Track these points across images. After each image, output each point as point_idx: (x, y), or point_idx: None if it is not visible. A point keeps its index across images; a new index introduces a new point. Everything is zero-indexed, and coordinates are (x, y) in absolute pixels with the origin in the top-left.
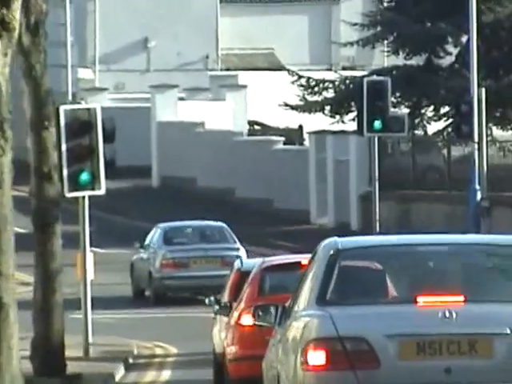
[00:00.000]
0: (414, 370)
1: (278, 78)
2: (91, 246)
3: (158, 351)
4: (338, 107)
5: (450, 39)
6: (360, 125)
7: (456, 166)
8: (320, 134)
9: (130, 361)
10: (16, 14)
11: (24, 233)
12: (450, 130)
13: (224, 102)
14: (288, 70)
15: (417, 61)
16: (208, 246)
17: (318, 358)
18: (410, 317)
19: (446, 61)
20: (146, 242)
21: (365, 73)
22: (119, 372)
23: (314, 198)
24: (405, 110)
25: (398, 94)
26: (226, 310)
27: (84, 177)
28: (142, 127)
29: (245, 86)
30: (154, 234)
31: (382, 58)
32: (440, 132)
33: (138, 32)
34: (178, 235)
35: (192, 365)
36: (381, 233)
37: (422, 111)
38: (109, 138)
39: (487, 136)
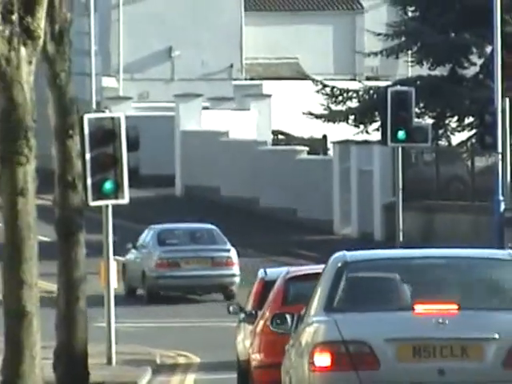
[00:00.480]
0: (411, 371)
1: (302, 87)
2: (114, 254)
3: (181, 360)
4: (362, 117)
5: (474, 50)
6: (384, 135)
7: (480, 177)
8: (344, 144)
9: (153, 370)
10: (41, 22)
11: (47, 241)
12: (473, 140)
13: (248, 112)
14: (312, 80)
15: (441, 71)
16: (199, 247)
17: (323, 359)
18: (408, 323)
19: (470, 71)
20: (139, 242)
21: (389, 83)
22: (142, 381)
23: (337, 207)
24: (429, 121)
25: (421, 105)
26: (252, 318)
27: (108, 186)
28: (166, 136)
29: (269, 96)
30: (147, 235)
31: (406, 68)
32: (464, 142)
33: (163, 41)
34: (171, 236)
35: (215, 373)
36: (393, 247)
37: (446, 122)
38: (133, 146)
39: (511, 146)
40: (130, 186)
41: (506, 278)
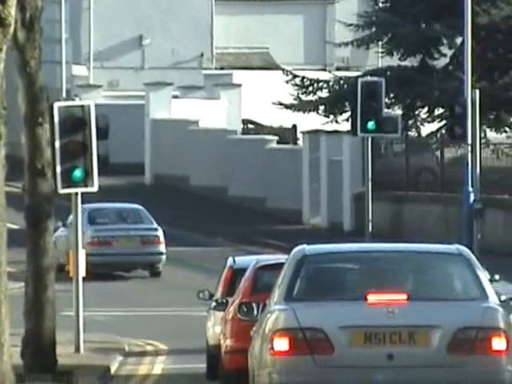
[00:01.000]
0: (362, 356)
1: (272, 77)
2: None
3: (149, 348)
4: (332, 107)
5: (444, 41)
6: (354, 125)
7: (449, 168)
8: (314, 134)
9: (121, 358)
10: (11, 9)
11: (17, 229)
12: (443, 131)
13: (218, 101)
14: (283, 70)
15: (411, 62)
16: (128, 226)
17: (282, 344)
18: (360, 311)
19: (441, 62)
20: (69, 221)
21: (359, 73)
22: (110, 368)
23: (306, 197)
24: (398, 111)
25: (392, 95)
26: (222, 306)
27: (77, 173)
28: (136, 125)
29: (239, 85)
30: None
31: (377, 58)
32: (433, 133)
33: (133, 29)
34: (101, 216)
35: (183, 361)
36: (362, 237)
37: (416, 112)
38: (102, 135)
39: (481, 138)
40: (100, 174)
41: (451, 270)
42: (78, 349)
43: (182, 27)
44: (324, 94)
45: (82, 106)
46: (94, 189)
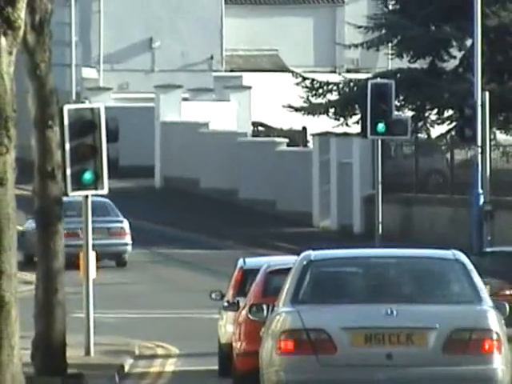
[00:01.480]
0: (363, 355)
1: (282, 79)
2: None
3: (160, 351)
4: (342, 109)
5: (454, 43)
6: (364, 127)
7: (459, 170)
8: (324, 136)
9: (131, 360)
10: (21, 12)
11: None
12: (453, 133)
13: (228, 103)
14: (292, 72)
15: (421, 64)
16: (96, 218)
17: (288, 344)
18: (361, 313)
19: (450, 64)
20: None
21: (369, 75)
22: (120, 371)
23: (316, 200)
24: (408, 113)
25: (401, 97)
26: (234, 306)
27: (87, 176)
28: (146, 127)
29: (249, 87)
30: None
31: (386, 60)
32: (443, 135)
33: (143, 32)
34: (69, 208)
35: (193, 363)
36: (350, 247)
37: (426, 114)
38: (112, 137)
39: (490, 140)
40: (110, 176)
41: (447, 275)
42: (88, 351)
43: (192, 30)
44: (334, 96)
45: (92, 109)
46: (104, 191)
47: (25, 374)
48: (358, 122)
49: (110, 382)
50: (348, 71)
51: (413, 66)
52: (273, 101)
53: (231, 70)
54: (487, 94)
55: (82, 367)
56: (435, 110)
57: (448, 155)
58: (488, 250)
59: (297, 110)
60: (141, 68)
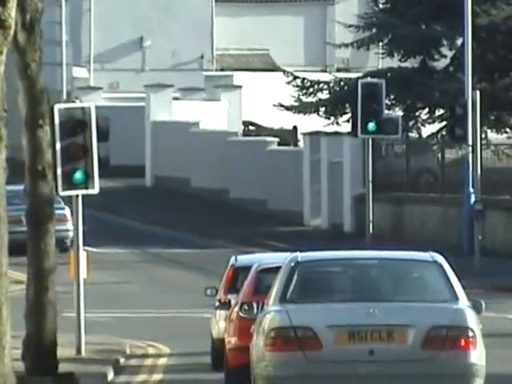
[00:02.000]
0: (347, 352)
1: (272, 78)
2: (84, 244)
3: (151, 351)
4: (333, 109)
5: (444, 42)
6: (354, 126)
7: (450, 169)
8: (314, 135)
9: (122, 360)
10: (12, 12)
11: None
12: (444, 132)
13: (219, 103)
14: (283, 71)
15: (411, 63)
16: None
17: (277, 341)
18: (345, 312)
19: (441, 63)
20: None
21: (359, 75)
22: (111, 371)
23: (307, 199)
24: (399, 113)
25: (392, 96)
26: (226, 306)
27: (78, 176)
28: (137, 127)
29: (240, 87)
30: None
31: (377, 60)
32: (434, 134)
33: (133, 31)
34: (13, 196)
35: (185, 362)
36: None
37: (417, 113)
38: (103, 137)
39: (481, 139)
40: (100, 176)
41: (425, 275)
42: (79, 351)
43: (183, 29)
44: (324, 95)
45: (83, 108)
46: (95, 191)
47: (15, 374)
48: (348, 121)
49: (101, 381)
50: (339, 70)
51: (403, 65)
52: (263, 100)
53: (222, 70)
54: (478, 92)
55: (73, 367)
56: (426, 109)
57: (439, 154)
58: None
59: (287, 108)
60: (131, 67)
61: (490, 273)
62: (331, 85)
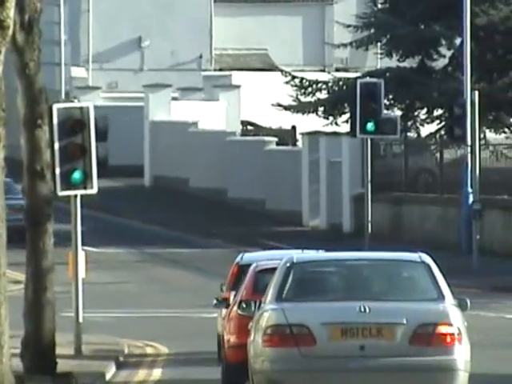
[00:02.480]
0: (339, 347)
1: (271, 78)
2: (83, 244)
3: (149, 350)
4: (332, 108)
5: (443, 42)
6: (353, 126)
7: (448, 169)
8: (313, 135)
9: (121, 359)
10: (10, 12)
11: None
12: (442, 132)
13: (217, 102)
14: (281, 71)
15: (410, 63)
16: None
17: (273, 338)
18: (337, 310)
19: (440, 63)
20: None
21: (358, 74)
22: (110, 371)
23: (306, 199)
24: (398, 112)
25: (391, 96)
26: (223, 303)
27: (76, 175)
28: (135, 126)
29: (238, 86)
30: None
31: (376, 59)
32: (433, 134)
33: (132, 31)
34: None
35: (183, 363)
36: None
37: (415, 113)
38: (101, 136)
39: (480, 139)
40: (99, 176)
41: (414, 275)
42: (77, 350)
43: (181, 29)
44: (323, 95)
45: (81, 108)
46: (94, 191)
47: (14, 373)
48: (347, 121)
49: (99, 380)
50: (337, 70)
51: (402, 64)
52: (262, 100)
53: (220, 69)
54: (477, 92)
55: (71, 366)
56: (425, 109)
57: (438, 154)
58: None
59: (286, 108)
60: (130, 67)
61: (488, 272)
62: (330, 84)
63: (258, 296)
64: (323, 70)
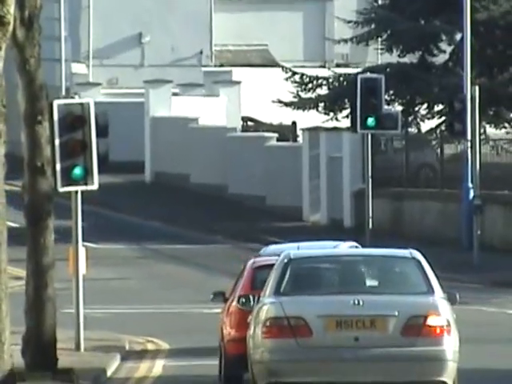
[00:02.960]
0: (334, 338)
1: (271, 74)
2: (84, 240)
3: (150, 346)
4: (332, 104)
5: (443, 37)
6: (353, 122)
7: (449, 164)
8: (313, 131)
9: (122, 355)
10: (10, 8)
11: (16, 227)
12: (443, 127)
13: (218, 98)
14: (282, 67)
15: (410, 58)
16: None
17: (272, 330)
18: (333, 303)
19: (440, 59)
20: None
21: (359, 70)
22: (111, 366)
23: (306, 194)
24: (398, 108)
25: (391, 92)
26: (220, 297)
27: (77, 171)
28: (136, 122)
29: (239, 82)
30: None
31: (376, 55)
32: (433, 130)
33: (132, 27)
34: None
35: (184, 359)
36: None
37: (416, 109)
38: (102, 132)
39: (480, 134)
40: (100, 171)
41: (405, 271)
42: (78, 346)
43: (182, 24)
44: (323, 91)
45: (82, 104)
46: (94, 187)
47: (15, 370)
48: (347, 117)
49: (100, 376)
50: (338, 66)
51: (402, 60)
52: (262, 96)
53: (221, 65)
54: (477, 88)
55: (72, 362)
56: (425, 105)
57: (438, 149)
58: None
59: (286, 104)
60: (130, 63)
61: (488, 267)
62: (330, 80)
63: (256, 291)
64: (324, 66)
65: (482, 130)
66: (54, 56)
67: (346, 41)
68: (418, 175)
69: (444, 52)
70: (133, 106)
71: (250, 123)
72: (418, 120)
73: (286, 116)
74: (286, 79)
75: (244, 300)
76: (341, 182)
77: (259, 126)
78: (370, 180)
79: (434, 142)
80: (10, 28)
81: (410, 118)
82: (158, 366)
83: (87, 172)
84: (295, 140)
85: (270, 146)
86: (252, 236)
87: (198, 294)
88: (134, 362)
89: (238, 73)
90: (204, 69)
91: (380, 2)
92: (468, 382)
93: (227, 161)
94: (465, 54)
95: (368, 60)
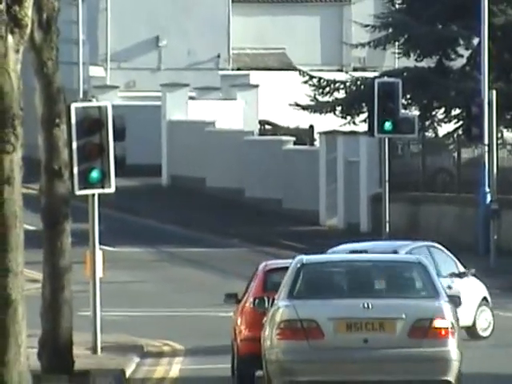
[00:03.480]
0: (345, 340)
1: (289, 78)
2: (100, 243)
3: (166, 349)
4: (349, 108)
5: (461, 41)
6: (371, 126)
7: (466, 169)
8: (331, 135)
9: (138, 359)
10: (28, 10)
11: (33, 230)
12: (460, 132)
13: (235, 102)
14: (299, 71)
15: (428, 63)
16: None
17: (285, 331)
18: (343, 306)
19: (457, 63)
20: None
21: (376, 74)
22: (128, 369)
23: (323, 198)
24: (415, 112)
25: (408, 96)
26: (232, 298)
27: (94, 175)
28: (153, 126)
29: (256, 86)
30: None
31: (393, 59)
32: (450, 134)
33: (150, 30)
34: None
35: (200, 361)
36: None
37: (433, 113)
38: (119, 136)
39: (497, 138)
40: (116, 175)
41: (412, 276)
42: (95, 349)
43: (199, 28)
44: (341, 94)
45: (99, 107)
46: (111, 190)
47: (32, 372)
48: (365, 121)
49: (117, 379)
50: (355, 70)
51: (420, 64)
52: (280, 99)
53: (238, 69)
54: (494, 92)
55: (89, 365)
56: (442, 109)
57: (455, 154)
58: None
59: (304, 108)
60: (147, 66)
61: (506, 272)
62: (347, 84)
63: (269, 293)
64: (341, 70)
65: (499, 135)
66: (71, 59)
67: (363, 45)
68: (434, 179)
69: (461, 56)
70: (150, 110)
71: (267, 127)
72: (435, 124)
73: (303, 120)
74: (304, 83)
75: (259, 301)
76: (358, 186)
77: (276, 129)
78: (387, 184)
79: (451, 147)
80: (28, 31)
81: (427, 123)
82: (175, 369)
83: (104, 175)
84: (312, 144)
85: (287, 149)
86: (268, 240)
87: (214, 297)
88: (150, 365)
89: (255, 76)
90: (221, 72)
91: (397, 7)
92: None
93: (244, 164)
94: (482, 59)
95: (385, 64)
